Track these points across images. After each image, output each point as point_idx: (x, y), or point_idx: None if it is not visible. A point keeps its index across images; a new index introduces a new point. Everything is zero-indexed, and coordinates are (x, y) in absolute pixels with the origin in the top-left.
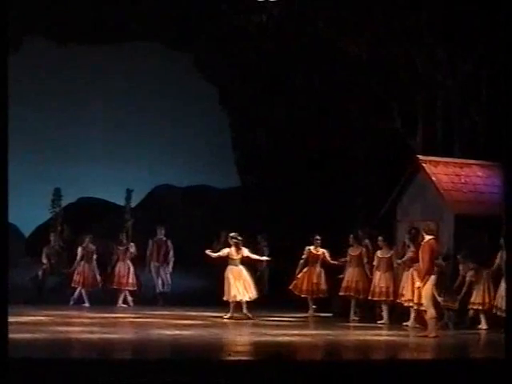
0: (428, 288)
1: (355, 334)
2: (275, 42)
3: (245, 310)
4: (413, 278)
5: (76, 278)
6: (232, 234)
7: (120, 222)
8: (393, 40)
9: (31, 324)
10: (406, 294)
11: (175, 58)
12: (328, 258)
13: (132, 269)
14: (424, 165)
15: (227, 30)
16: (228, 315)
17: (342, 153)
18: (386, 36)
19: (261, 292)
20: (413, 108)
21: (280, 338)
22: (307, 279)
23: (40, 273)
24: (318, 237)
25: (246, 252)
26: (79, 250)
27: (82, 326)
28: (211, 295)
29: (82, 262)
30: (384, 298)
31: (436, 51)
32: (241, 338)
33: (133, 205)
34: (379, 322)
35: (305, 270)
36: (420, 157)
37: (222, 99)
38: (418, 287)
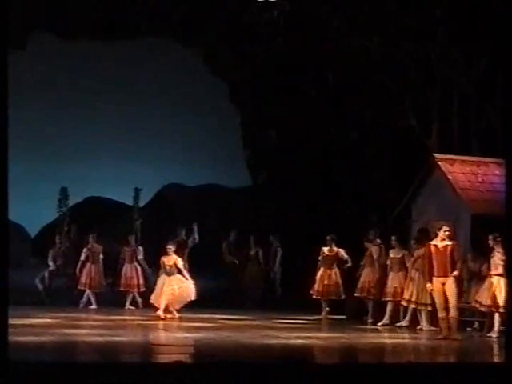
0: (454, 288)
1: (369, 336)
2: (287, 39)
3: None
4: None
5: (82, 279)
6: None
7: (128, 222)
8: (407, 36)
9: (38, 327)
10: (405, 294)
11: (186, 55)
12: (345, 256)
13: (140, 270)
14: (440, 163)
15: (238, 26)
16: None
17: (356, 151)
18: (399, 32)
19: (273, 293)
20: (428, 105)
21: (292, 341)
22: (319, 280)
23: (46, 274)
24: (329, 236)
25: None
26: (84, 250)
27: (90, 328)
28: (223, 297)
29: (88, 264)
30: (398, 299)
31: (451, 48)
32: (252, 340)
33: (141, 204)
34: (397, 324)
35: (320, 271)
36: (435, 155)
37: (232, 97)
38: (431, 289)
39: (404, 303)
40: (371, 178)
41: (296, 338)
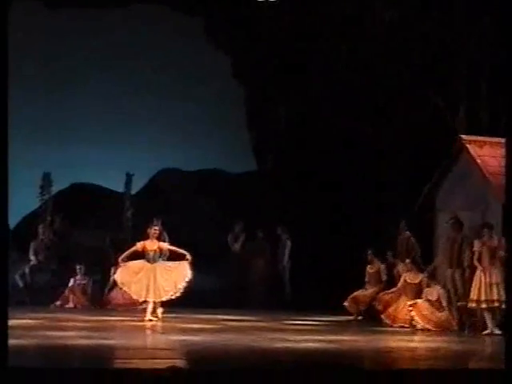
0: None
1: (386, 339)
2: (296, 8)
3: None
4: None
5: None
6: None
7: (118, 211)
8: (431, 8)
9: (18, 328)
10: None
11: (184, 25)
12: (384, 277)
13: None
14: (468, 146)
15: None
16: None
17: (373, 133)
18: (421, 3)
19: (281, 291)
20: (455, 81)
21: (302, 345)
22: (357, 300)
23: (27, 270)
24: (369, 251)
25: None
26: (70, 282)
27: (76, 330)
28: (225, 294)
29: (72, 296)
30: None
31: (479, 23)
32: (257, 344)
33: (133, 191)
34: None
35: (362, 290)
36: (463, 136)
37: (236, 72)
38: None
39: (473, 304)
40: (390, 164)
41: (306, 342)
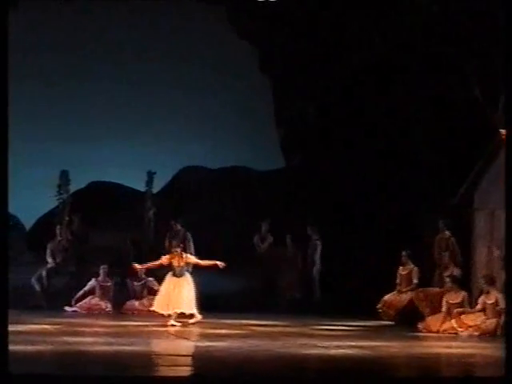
0: None
1: (421, 345)
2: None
3: None
4: None
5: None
6: None
7: (139, 211)
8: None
9: (34, 334)
10: None
11: (205, 13)
12: (414, 280)
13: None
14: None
15: None
16: None
17: (407, 128)
18: None
19: (311, 295)
20: (494, 73)
21: (333, 351)
22: (390, 304)
23: (44, 273)
24: (404, 252)
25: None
26: (91, 282)
27: (95, 336)
28: (252, 299)
29: (96, 298)
30: None
31: None
32: (286, 350)
33: (155, 190)
34: None
35: (394, 293)
36: (503, 131)
37: (263, 64)
38: None
39: None
40: (425, 160)
41: (337, 348)
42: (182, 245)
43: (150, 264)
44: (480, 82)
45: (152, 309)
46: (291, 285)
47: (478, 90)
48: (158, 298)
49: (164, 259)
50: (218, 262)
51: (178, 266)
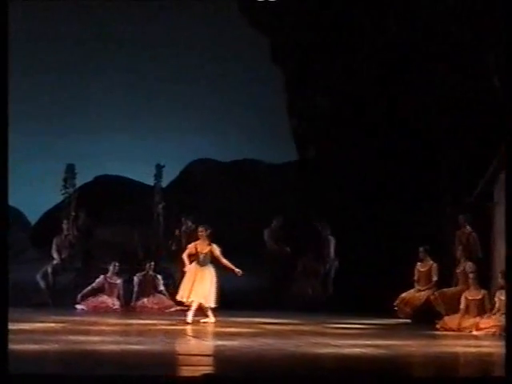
0: None
1: (438, 344)
2: None
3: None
4: None
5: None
6: None
7: (148, 205)
8: None
9: (39, 332)
10: None
11: (216, 4)
12: (434, 277)
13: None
14: None
15: None
16: None
17: (423, 120)
18: None
19: (324, 293)
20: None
21: (347, 350)
22: (407, 301)
23: (49, 270)
24: (422, 248)
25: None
26: (99, 279)
27: (102, 334)
28: (263, 296)
29: (103, 296)
30: None
31: None
32: (298, 349)
33: (164, 184)
34: None
35: (412, 290)
36: None
37: (275, 55)
38: None
39: None
40: (443, 153)
41: (352, 347)
42: (209, 230)
43: (185, 260)
44: (498, 71)
45: (177, 297)
46: (303, 281)
47: (496, 78)
48: (181, 286)
49: (190, 247)
50: (236, 270)
51: (202, 253)
